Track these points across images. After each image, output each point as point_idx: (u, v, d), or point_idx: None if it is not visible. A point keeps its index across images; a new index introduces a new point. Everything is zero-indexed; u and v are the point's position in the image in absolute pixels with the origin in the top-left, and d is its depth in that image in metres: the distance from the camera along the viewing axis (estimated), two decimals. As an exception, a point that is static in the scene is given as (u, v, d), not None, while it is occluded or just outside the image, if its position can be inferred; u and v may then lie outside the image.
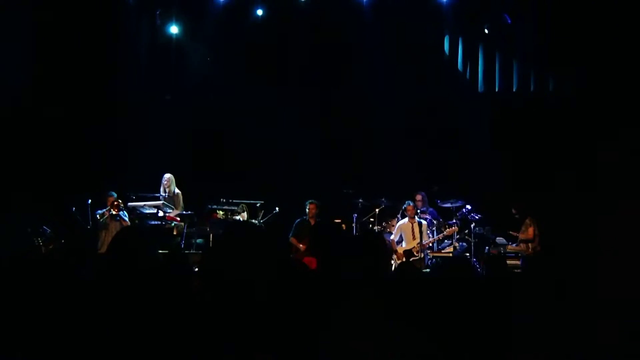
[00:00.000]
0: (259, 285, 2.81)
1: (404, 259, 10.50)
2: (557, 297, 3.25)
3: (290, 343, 2.69)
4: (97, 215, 10.37)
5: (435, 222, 11.09)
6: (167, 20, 12.74)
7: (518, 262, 10.15)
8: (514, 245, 10.58)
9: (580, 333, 3.02)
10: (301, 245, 10.54)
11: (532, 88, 12.30)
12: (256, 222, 10.62)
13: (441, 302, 3.24)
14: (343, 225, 10.88)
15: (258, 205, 11.07)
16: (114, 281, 3.23)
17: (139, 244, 3.39)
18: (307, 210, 10.82)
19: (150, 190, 10.85)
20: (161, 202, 10.57)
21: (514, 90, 12.37)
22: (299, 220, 10.87)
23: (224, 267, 2.81)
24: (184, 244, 10.52)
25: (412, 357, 2.71)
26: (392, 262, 10.63)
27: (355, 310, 2.80)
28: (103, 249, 10.02)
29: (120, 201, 10.37)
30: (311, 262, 8.88)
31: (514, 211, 10.70)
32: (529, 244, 10.41)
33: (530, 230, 10.42)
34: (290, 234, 10.75)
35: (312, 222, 10.72)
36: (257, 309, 2.73)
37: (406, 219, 10.73)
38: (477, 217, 10.74)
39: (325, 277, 3.48)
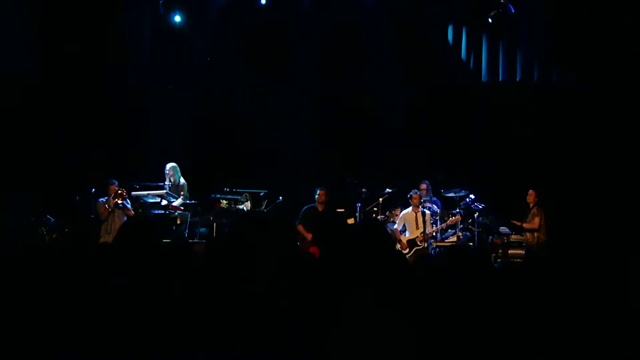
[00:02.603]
0: (262, 276, 2.82)
1: (407, 249, 10.52)
2: (559, 291, 3.25)
3: (295, 335, 2.70)
4: (99, 205, 10.33)
5: (438, 211, 11.10)
6: (170, 9, 12.70)
7: (522, 252, 10.16)
8: (518, 235, 10.58)
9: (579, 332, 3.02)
10: (308, 235, 10.36)
11: (535, 78, 12.26)
12: (260, 211, 10.64)
13: (443, 296, 3.24)
14: (350, 220, 10.83)
15: (261, 194, 11.07)
16: (120, 270, 3.24)
17: (146, 234, 3.40)
18: (316, 196, 10.67)
19: (154, 179, 10.83)
20: (164, 191, 10.55)
21: (517, 80, 12.33)
22: (306, 207, 10.69)
23: (231, 258, 2.81)
24: (187, 233, 10.53)
25: (415, 349, 2.71)
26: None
27: (360, 302, 2.80)
28: (105, 238, 10.04)
29: (124, 189, 10.32)
30: (317, 252, 8.87)
31: (530, 198, 10.60)
32: (535, 234, 10.40)
33: (537, 219, 10.40)
34: (297, 221, 10.55)
35: (321, 208, 10.58)
36: (261, 300, 2.73)
37: (410, 209, 10.73)
38: (480, 207, 10.73)
39: (328, 268, 3.48)
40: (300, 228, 10.46)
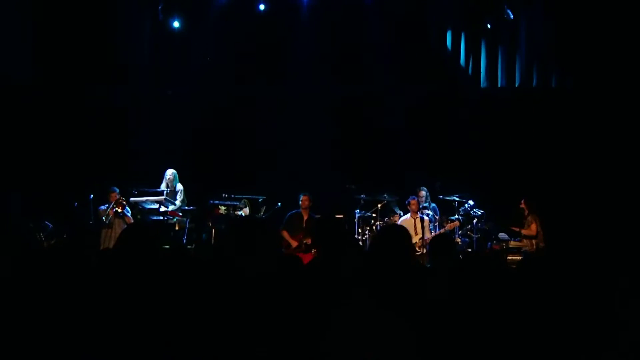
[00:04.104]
0: (261, 280, 2.81)
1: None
2: (555, 295, 3.25)
3: (290, 337, 2.69)
4: (101, 213, 10.32)
5: (436, 217, 11.08)
6: (169, 15, 12.72)
7: (520, 258, 10.14)
8: (517, 240, 10.57)
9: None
10: (294, 242, 10.28)
11: (534, 83, 12.27)
12: (258, 217, 10.61)
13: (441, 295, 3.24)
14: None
15: (260, 200, 11.05)
16: (119, 276, 3.24)
17: (145, 241, 3.39)
18: (299, 202, 10.56)
19: (152, 185, 10.83)
20: (163, 197, 10.54)
21: (516, 85, 12.34)
22: (291, 213, 10.57)
23: (228, 261, 2.81)
24: (186, 239, 10.50)
25: (411, 350, 2.70)
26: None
27: (355, 305, 2.79)
28: (105, 245, 10.02)
29: (124, 198, 10.31)
30: (303, 258, 8.80)
31: (522, 205, 10.67)
32: (533, 241, 10.42)
33: (534, 226, 10.44)
34: (281, 227, 10.41)
35: (305, 215, 10.47)
36: (258, 302, 2.73)
37: (408, 215, 10.72)
38: (479, 213, 10.72)
39: (324, 272, 3.48)
40: (285, 234, 10.36)
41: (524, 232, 10.52)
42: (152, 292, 3.05)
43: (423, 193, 11.14)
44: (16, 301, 3.07)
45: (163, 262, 3.44)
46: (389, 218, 11.31)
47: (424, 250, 10.40)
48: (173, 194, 10.77)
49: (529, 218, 10.56)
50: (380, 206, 11.11)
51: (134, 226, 4.67)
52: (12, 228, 9.65)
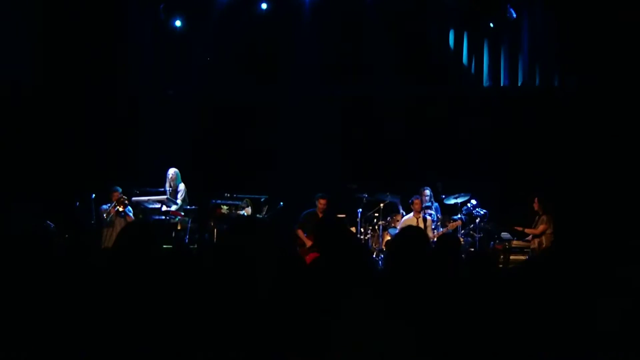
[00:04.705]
0: (262, 280, 2.80)
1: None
2: (560, 294, 3.23)
3: (293, 339, 2.68)
4: (102, 212, 10.32)
5: (439, 217, 11.06)
6: (170, 15, 12.71)
7: (524, 258, 10.09)
8: (525, 240, 10.49)
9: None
10: (308, 242, 10.23)
11: (537, 83, 12.23)
12: (260, 216, 10.60)
13: (443, 299, 3.22)
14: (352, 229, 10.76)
15: (262, 200, 11.03)
16: (118, 275, 3.23)
17: (144, 240, 3.38)
18: (316, 204, 10.55)
19: (154, 185, 10.82)
20: (165, 197, 10.53)
21: (519, 84, 12.31)
22: (307, 211, 10.57)
23: (229, 261, 2.79)
24: (188, 239, 10.49)
25: (413, 354, 2.69)
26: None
27: (357, 307, 2.78)
28: (107, 244, 10.01)
29: (126, 197, 10.31)
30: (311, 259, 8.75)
31: (535, 206, 10.52)
32: (540, 240, 10.31)
33: (542, 227, 10.29)
34: (297, 225, 10.45)
35: (321, 215, 10.46)
36: (260, 304, 2.71)
37: (411, 214, 10.70)
38: (482, 213, 10.68)
39: (326, 273, 3.47)
40: (300, 233, 10.33)
41: (527, 230, 10.43)
42: (152, 291, 3.03)
43: (427, 192, 11.13)
44: (16, 300, 3.06)
45: (164, 262, 3.42)
46: (391, 217, 11.30)
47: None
48: (175, 193, 10.75)
49: (543, 217, 10.39)
50: (383, 205, 11.09)
51: (132, 225, 4.64)
52: (14, 227, 9.63)
